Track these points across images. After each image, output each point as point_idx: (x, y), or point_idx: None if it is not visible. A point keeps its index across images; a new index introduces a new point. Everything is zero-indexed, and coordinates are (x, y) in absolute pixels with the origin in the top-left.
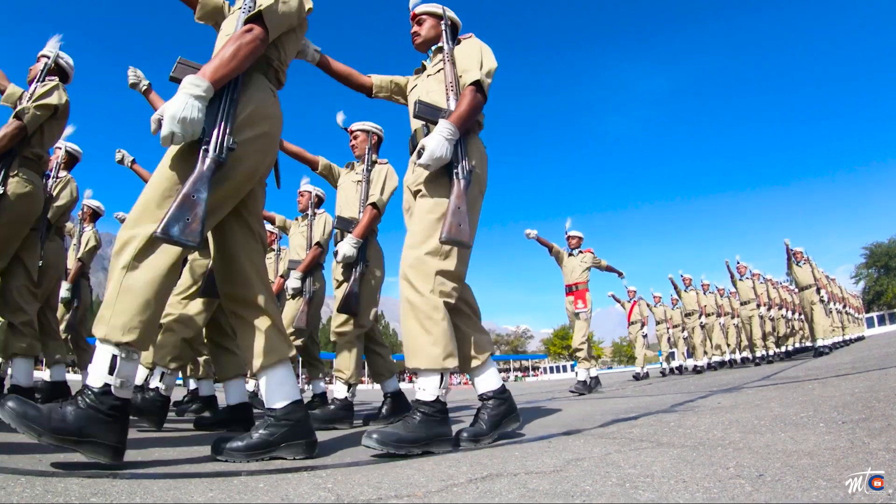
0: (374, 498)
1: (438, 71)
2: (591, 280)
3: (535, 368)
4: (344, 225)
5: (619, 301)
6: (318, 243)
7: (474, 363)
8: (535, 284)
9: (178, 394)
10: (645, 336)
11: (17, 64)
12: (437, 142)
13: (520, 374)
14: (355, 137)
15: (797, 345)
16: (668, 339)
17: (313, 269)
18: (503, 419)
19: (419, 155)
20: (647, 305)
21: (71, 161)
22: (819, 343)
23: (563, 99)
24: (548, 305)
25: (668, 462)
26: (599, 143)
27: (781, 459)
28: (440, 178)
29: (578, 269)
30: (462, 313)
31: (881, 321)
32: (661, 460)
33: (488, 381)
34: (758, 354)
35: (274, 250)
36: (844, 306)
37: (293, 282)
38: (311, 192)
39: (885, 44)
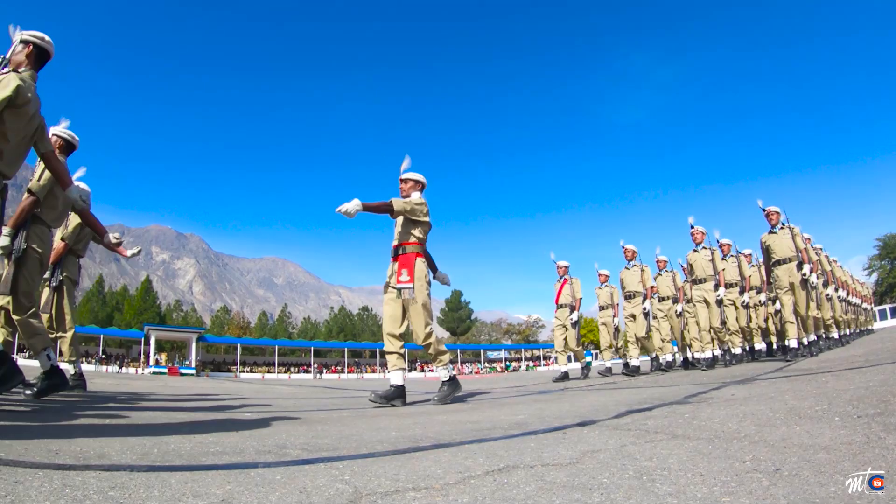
0: (392, 490)
1: None
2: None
3: (546, 358)
4: None
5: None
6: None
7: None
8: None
9: None
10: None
11: None
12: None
13: (531, 363)
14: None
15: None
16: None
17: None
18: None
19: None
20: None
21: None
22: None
23: (571, 89)
24: None
25: (685, 455)
26: (608, 133)
27: (798, 453)
28: None
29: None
30: None
31: (894, 313)
32: (677, 453)
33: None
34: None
35: None
36: (848, 294)
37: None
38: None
39: None
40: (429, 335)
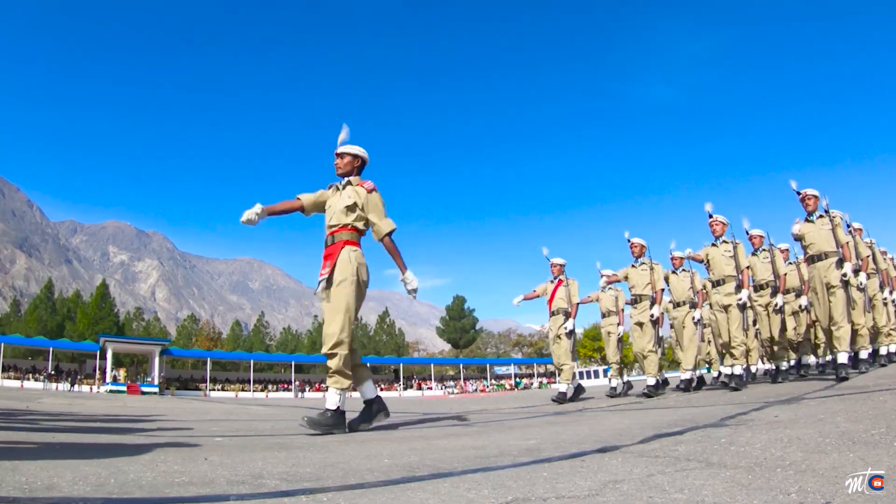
0: None
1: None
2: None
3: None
4: None
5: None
6: None
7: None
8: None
9: None
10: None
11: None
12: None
13: (545, 380)
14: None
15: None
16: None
17: None
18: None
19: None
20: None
21: None
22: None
23: (596, 65)
24: None
25: (721, 486)
26: (638, 114)
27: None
28: None
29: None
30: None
31: None
32: (711, 483)
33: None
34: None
35: None
36: None
37: None
38: None
39: None
40: (337, 344)
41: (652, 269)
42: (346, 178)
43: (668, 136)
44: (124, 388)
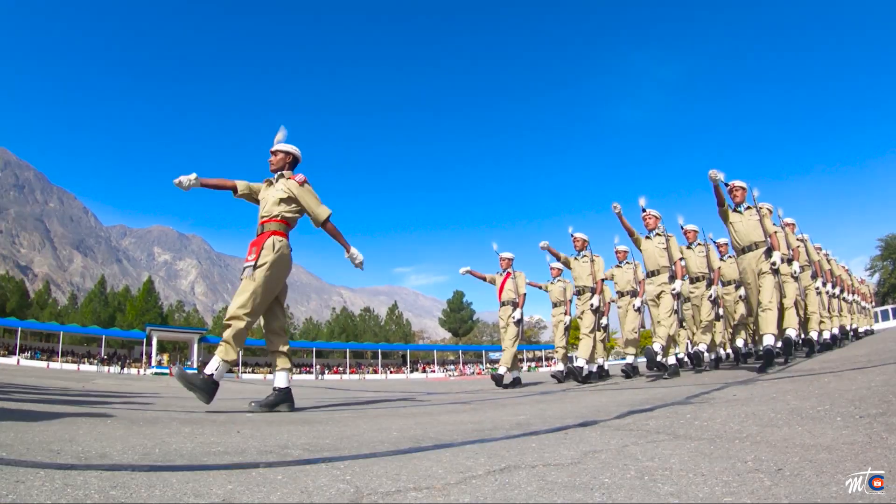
0: (393, 490)
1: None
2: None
3: (549, 359)
4: None
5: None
6: None
7: None
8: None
9: None
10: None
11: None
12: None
13: (533, 364)
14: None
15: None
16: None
17: None
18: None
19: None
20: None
21: None
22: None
23: (574, 90)
24: None
25: (686, 455)
26: (612, 134)
27: (800, 454)
28: None
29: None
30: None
31: None
32: (678, 453)
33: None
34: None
35: None
36: (842, 290)
37: None
38: None
39: None
40: (233, 317)
41: (593, 261)
42: (278, 173)
43: (637, 153)
44: (167, 371)
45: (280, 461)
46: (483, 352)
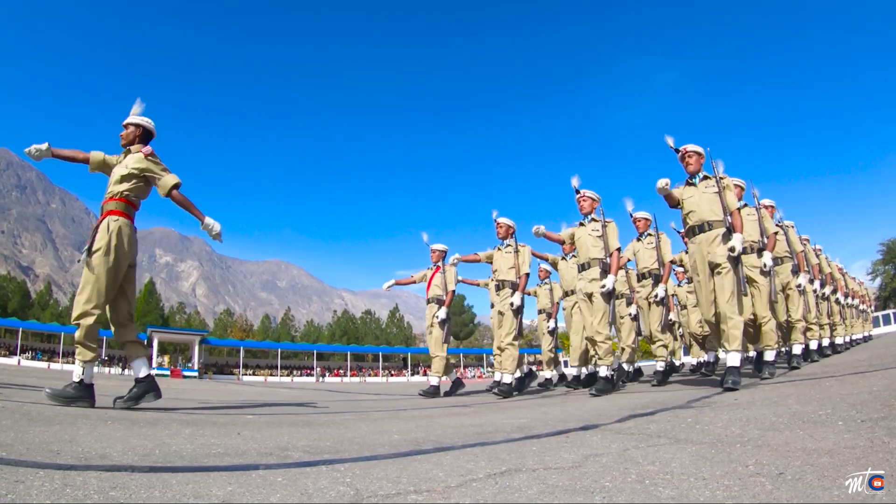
0: (394, 492)
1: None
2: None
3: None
4: None
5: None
6: None
7: None
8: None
9: None
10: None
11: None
12: None
13: (534, 367)
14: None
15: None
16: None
17: None
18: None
19: None
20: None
21: None
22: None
23: (575, 93)
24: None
25: (687, 459)
26: (613, 137)
27: (801, 458)
28: None
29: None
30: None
31: None
32: (679, 457)
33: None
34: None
35: None
36: (835, 290)
37: None
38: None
39: None
40: (81, 315)
41: (517, 251)
42: (126, 149)
43: (637, 155)
44: (168, 373)
45: (280, 463)
46: (484, 355)
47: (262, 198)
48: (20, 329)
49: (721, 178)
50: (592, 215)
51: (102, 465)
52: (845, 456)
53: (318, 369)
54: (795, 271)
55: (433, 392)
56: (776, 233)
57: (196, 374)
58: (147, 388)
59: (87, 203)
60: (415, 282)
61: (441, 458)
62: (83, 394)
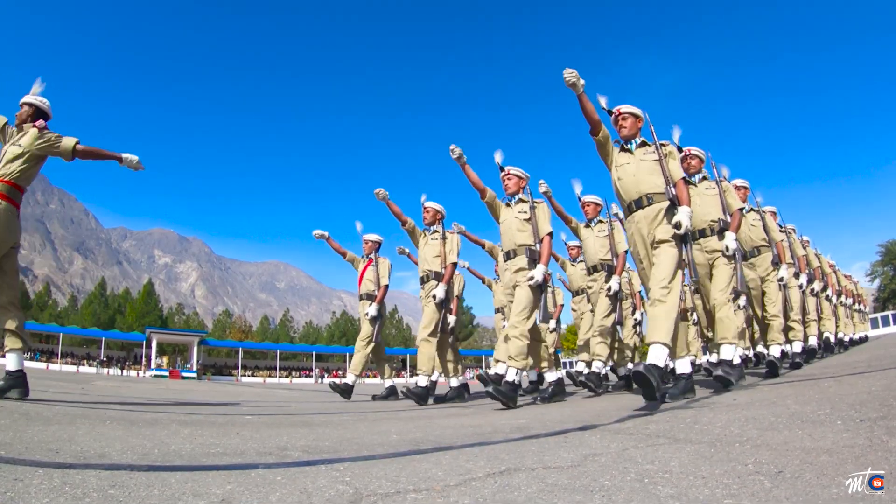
0: (393, 491)
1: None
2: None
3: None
4: None
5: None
6: None
7: None
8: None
9: None
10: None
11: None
12: None
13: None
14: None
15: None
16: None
17: None
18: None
19: None
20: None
21: None
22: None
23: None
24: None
25: (686, 458)
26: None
27: (800, 457)
28: None
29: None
30: None
31: None
32: (678, 456)
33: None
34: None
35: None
36: (825, 287)
37: None
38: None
39: None
40: None
41: (445, 238)
42: (20, 125)
43: None
44: (167, 374)
45: (279, 462)
46: (483, 356)
47: (261, 199)
48: None
49: (663, 145)
50: (520, 195)
51: (101, 464)
52: (844, 455)
53: (318, 370)
54: (776, 263)
55: (344, 389)
56: (741, 208)
57: (195, 375)
58: (14, 383)
59: (87, 204)
60: (343, 255)
61: (440, 458)
62: (13, 383)
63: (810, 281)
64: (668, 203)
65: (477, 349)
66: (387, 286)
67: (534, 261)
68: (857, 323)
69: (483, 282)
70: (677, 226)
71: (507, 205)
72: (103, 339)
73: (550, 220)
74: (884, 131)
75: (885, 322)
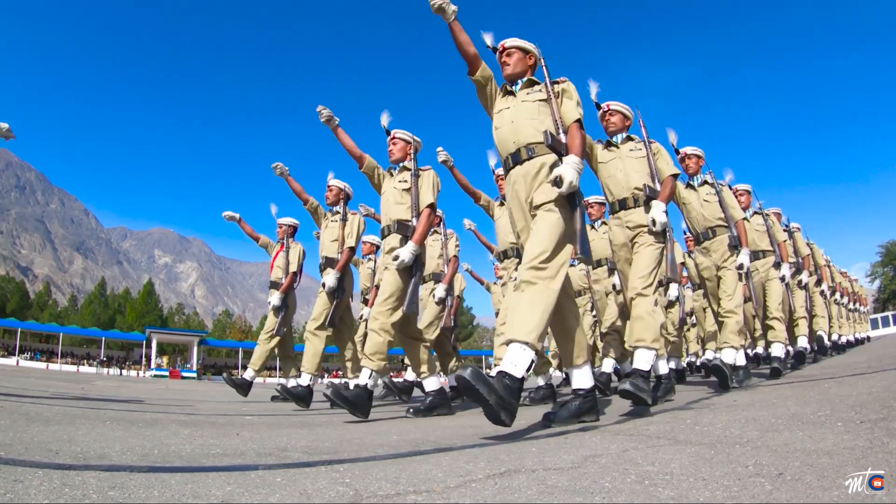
0: (393, 492)
1: None
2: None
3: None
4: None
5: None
6: None
7: None
8: None
9: None
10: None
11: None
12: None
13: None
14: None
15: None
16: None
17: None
18: None
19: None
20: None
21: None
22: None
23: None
24: None
25: (687, 460)
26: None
27: (801, 458)
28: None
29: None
30: None
31: None
32: (679, 458)
33: None
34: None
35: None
36: (819, 282)
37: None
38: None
39: None
40: None
41: (345, 220)
42: None
43: None
44: (167, 374)
45: (279, 463)
46: (483, 357)
47: (261, 199)
48: (19, 329)
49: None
50: (405, 163)
51: (101, 465)
52: (844, 456)
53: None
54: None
55: (242, 384)
56: (675, 174)
57: (195, 375)
58: None
59: (87, 204)
60: (255, 239)
61: (440, 459)
62: None
63: (798, 272)
64: (552, 157)
65: (477, 349)
66: (295, 273)
67: (406, 237)
68: (856, 323)
69: (482, 284)
70: (557, 182)
71: (390, 172)
72: (103, 339)
73: (437, 191)
74: (885, 135)
75: (886, 322)
